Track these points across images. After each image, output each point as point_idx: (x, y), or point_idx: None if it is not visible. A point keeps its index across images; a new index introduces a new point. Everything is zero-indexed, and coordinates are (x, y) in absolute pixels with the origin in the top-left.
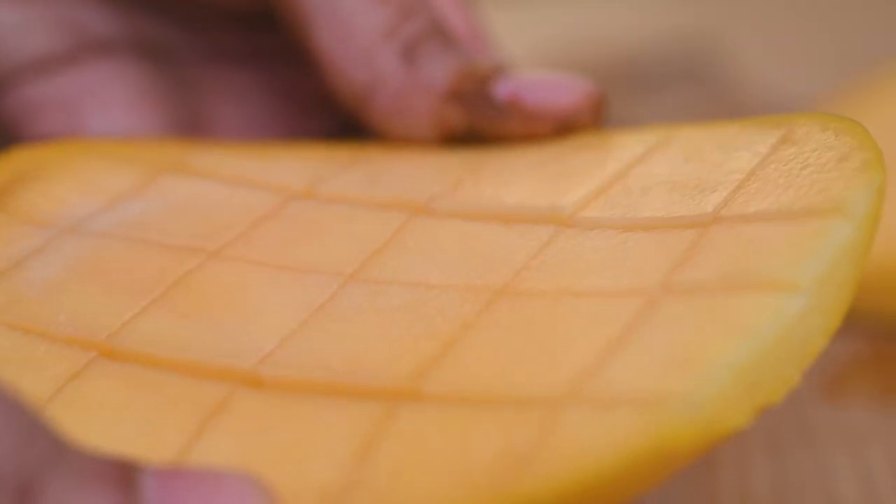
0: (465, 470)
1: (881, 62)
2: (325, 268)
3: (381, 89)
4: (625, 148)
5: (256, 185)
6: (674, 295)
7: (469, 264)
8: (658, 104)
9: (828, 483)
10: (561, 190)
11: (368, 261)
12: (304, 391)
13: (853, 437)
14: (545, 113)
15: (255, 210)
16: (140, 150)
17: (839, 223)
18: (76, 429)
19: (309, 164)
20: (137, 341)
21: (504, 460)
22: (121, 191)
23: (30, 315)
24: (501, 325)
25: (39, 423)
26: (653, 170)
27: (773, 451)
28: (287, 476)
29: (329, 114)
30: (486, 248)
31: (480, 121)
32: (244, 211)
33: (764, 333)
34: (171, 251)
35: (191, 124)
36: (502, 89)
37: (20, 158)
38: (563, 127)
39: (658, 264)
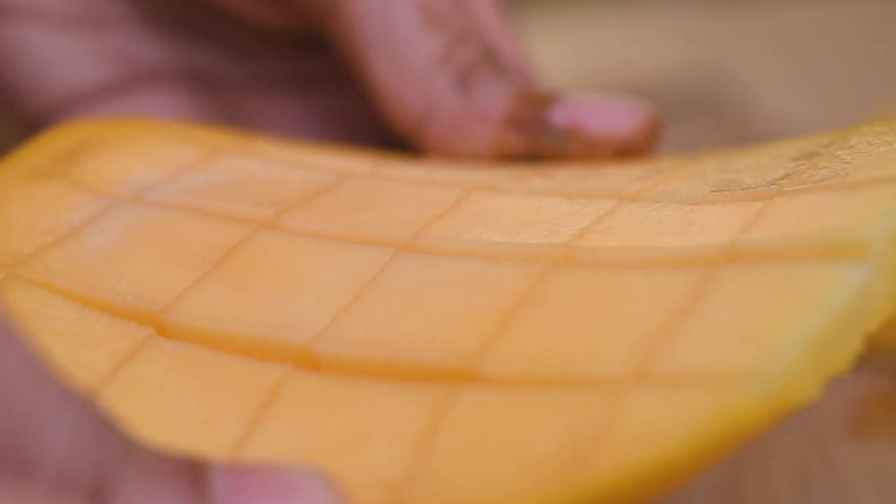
0: (529, 459)
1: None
2: (380, 237)
3: (438, 116)
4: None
5: (316, 166)
6: (739, 262)
7: (529, 230)
8: (674, 136)
9: None
10: (623, 179)
11: (425, 228)
12: (360, 373)
13: (879, 473)
14: (605, 139)
15: (313, 185)
16: (202, 132)
17: None
18: (134, 414)
19: (368, 157)
20: (192, 316)
21: (569, 448)
22: (183, 164)
23: (89, 282)
24: (560, 298)
25: (111, 424)
26: (710, 164)
27: (799, 487)
28: (348, 467)
29: (378, 141)
30: (548, 215)
31: (540, 146)
32: (302, 186)
33: (833, 303)
34: (229, 221)
35: None
36: (560, 115)
37: (83, 129)
38: (622, 151)
39: (723, 230)
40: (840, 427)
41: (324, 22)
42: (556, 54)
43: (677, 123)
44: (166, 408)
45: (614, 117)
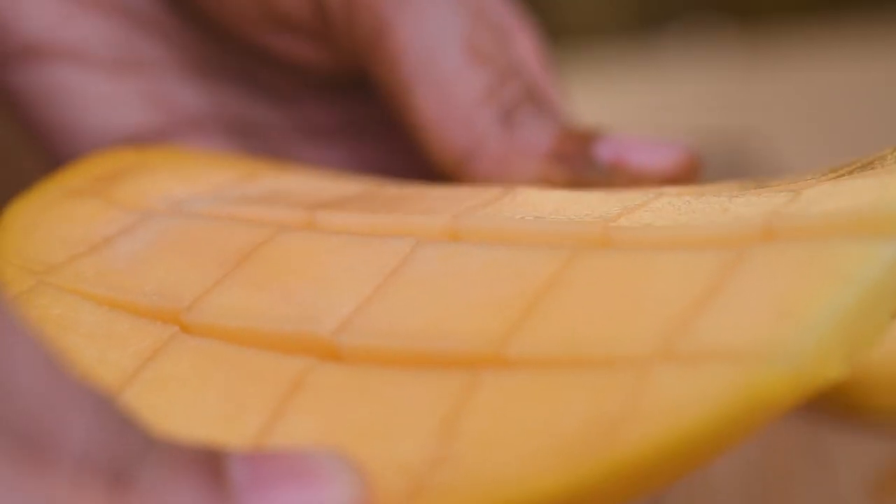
0: (554, 439)
1: None
2: (406, 227)
3: (483, 152)
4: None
5: (352, 181)
6: (770, 241)
7: (562, 215)
8: None
9: None
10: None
11: (456, 216)
12: (383, 362)
13: None
14: (649, 173)
15: (348, 193)
16: (241, 159)
17: None
18: (159, 408)
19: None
20: (215, 314)
21: (594, 426)
22: (221, 182)
23: (117, 286)
24: (588, 281)
25: (128, 418)
26: (748, 183)
27: None
28: (372, 454)
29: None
30: (583, 202)
31: (583, 181)
32: (337, 193)
33: (863, 279)
34: (259, 225)
35: None
36: (604, 151)
37: (125, 155)
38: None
39: (758, 213)
40: (861, 492)
41: (367, 59)
42: (584, 118)
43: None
44: (190, 402)
45: (657, 152)
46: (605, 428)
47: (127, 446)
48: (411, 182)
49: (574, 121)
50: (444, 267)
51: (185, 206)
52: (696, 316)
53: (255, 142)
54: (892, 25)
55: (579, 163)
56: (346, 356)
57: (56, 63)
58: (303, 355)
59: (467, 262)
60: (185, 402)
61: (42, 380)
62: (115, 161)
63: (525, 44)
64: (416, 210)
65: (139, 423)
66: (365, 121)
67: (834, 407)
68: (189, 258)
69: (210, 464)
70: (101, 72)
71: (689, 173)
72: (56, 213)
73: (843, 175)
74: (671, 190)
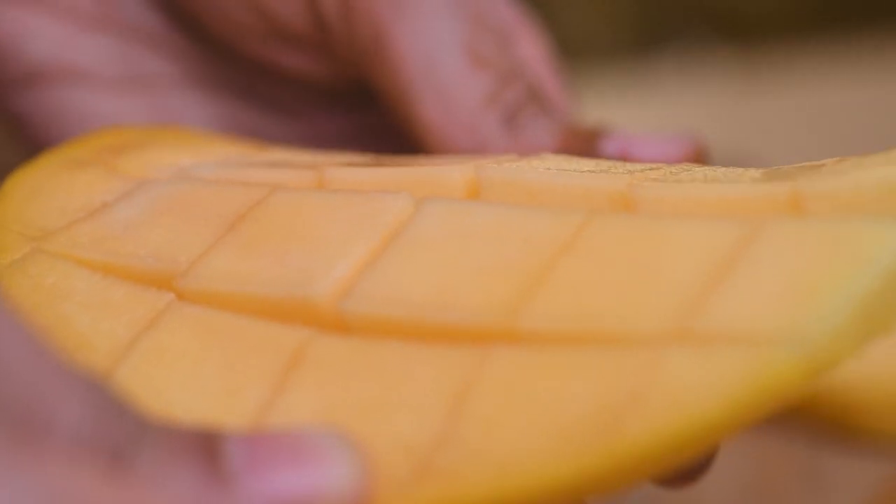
0: (560, 426)
1: None
2: (409, 181)
3: (487, 155)
4: None
5: (364, 156)
6: (788, 215)
7: (567, 174)
8: None
9: None
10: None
11: (473, 168)
12: (387, 333)
13: None
14: None
15: (356, 160)
16: (251, 140)
17: None
18: (156, 381)
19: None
20: (210, 278)
21: (601, 414)
22: (229, 153)
23: (113, 251)
24: (599, 250)
25: (120, 402)
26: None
27: None
28: (374, 432)
29: None
30: (600, 166)
31: None
32: (344, 159)
33: (881, 261)
34: (257, 187)
35: None
36: (611, 147)
37: (130, 130)
38: None
39: (782, 182)
40: None
41: (368, 68)
42: None
43: None
44: (188, 375)
45: (664, 146)
46: (611, 417)
47: (122, 429)
48: None
49: (579, 119)
50: (451, 227)
51: (189, 172)
52: (711, 293)
53: None
54: (889, 46)
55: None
56: (347, 325)
57: (62, 84)
58: (301, 325)
59: (475, 222)
60: (182, 375)
61: (31, 365)
62: (121, 135)
63: (528, 45)
64: (400, 165)
65: (133, 407)
66: (368, 129)
67: (829, 429)
68: (185, 221)
69: (206, 446)
70: (108, 90)
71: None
72: (57, 182)
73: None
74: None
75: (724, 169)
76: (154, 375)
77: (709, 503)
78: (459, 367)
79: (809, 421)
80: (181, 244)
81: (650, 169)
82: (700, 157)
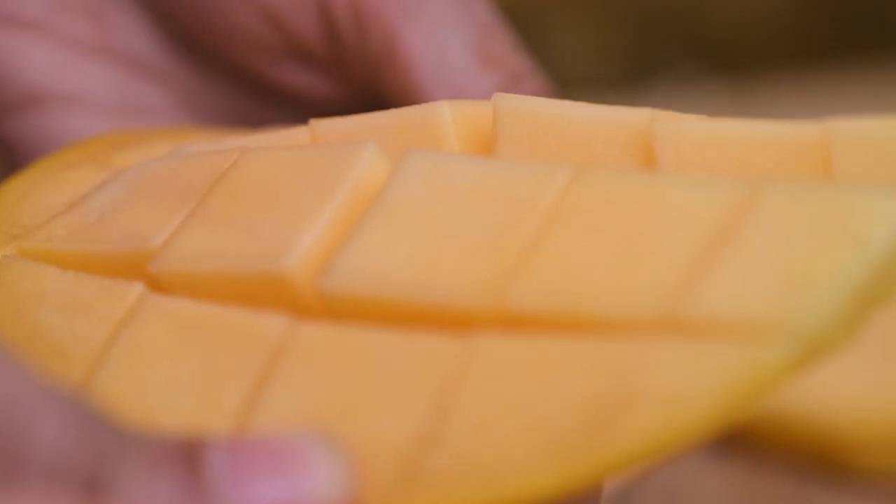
0: (550, 431)
1: None
2: (388, 130)
3: None
4: None
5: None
6: (785, 183)
7: (586, 106)
8: None
9: None
10: None
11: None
12: (368, 316)
13: None
14: None
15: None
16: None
17: None
18: (135, 383)
19: None
20: (181, 259)
21: (592, 418)
22: (221, 137)
23: (86, 239)
24: (583, 218)
25: (98, 416)
26: None
27: None
28: (359, 432)
29: None
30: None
31: None
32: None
33: (879, 241)
34: (229, 153)
35: None
36: None
37: (128, 131)
38: None
39: (804, 126)
40: None
41: (381, 76)
42: None
43: None
44: (167, 375)
45: None
46: (602, 420)
47: (100, 446)
48: None
49: None
50: (431, 187)
51: (177, 151)
52: (703, 274)
53: None
54: (883, 77)
55: None
56: (325, 305)
57: (58, 110)
58: (279, 308)
59: (458, 181)
60: (162, 376)
61: (5, 388)
62: (119, 136)
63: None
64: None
65: (110, 421)
66: None
67: (821, 465)
68: (156, 198)
69: (188, 456)
70: (104, 118)
71: None
72: (50, 183)
73: None
74: None
75: None
76: (133, 378)
77: None
78: (444, 361)
79: (798, 456)
80: (153, 222)
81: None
82: None
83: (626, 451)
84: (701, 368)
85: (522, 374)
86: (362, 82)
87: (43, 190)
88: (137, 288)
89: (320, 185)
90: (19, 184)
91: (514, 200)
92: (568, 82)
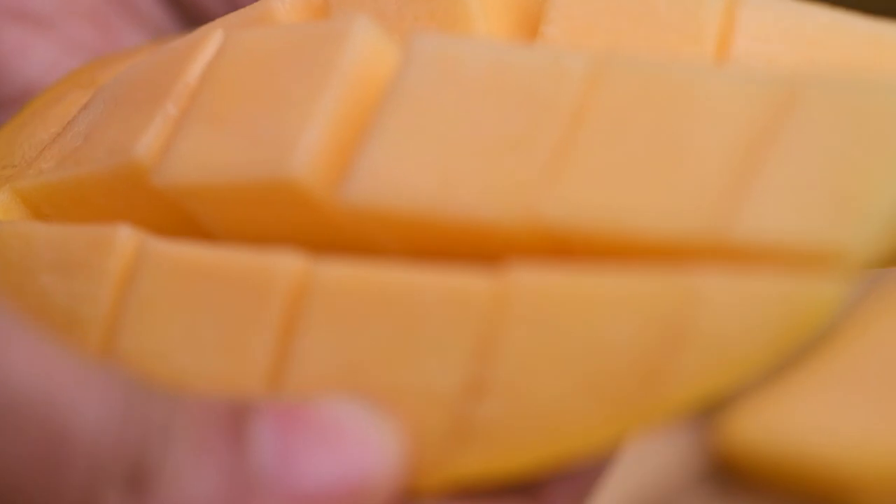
0: (600, 381)
1: None
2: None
3: None
4: None
5: None
6: (817, 83)
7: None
8: None
9: None
10: None
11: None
12: (391, 235)
13: None
14: None
15: None
16: None
17: None
18: (156, 346)
19: None
20: (181, 170)
21: (641, 365)
22: None
23: (76, 161)
24: (613, 120)
25: (139, 387)
26: None
27: None
28: (402, 384)
29: None
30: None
31: None
32: None
33: None
34: (201, 42)
35: None
36: None
37: (120, 52)
38: None
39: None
40: None
41: None
42: None
43: None
44: (187, 332)
45: None
46: (650, 368)
47: (143, 426)
48: None
49: None
50: (442, 79)
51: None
52: (746, 184)
53: None
54: None
55: None
56: (341, 224)
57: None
58: (291, 246)
59: (471, 71)
60: (181, 334)
61: (41, 368)
62: (100, 60)
63: None
64: None
65: (150, 390)
66: None
67: None
68: (137, 103)
69: (234, 429)
70: None
71: None
72: (38, 120)
73: None
74: None
75: None
76: (153, 339)
77: None
78: (479, 300)
79: (799, 495)
80: (135, 130)
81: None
82: None
83: (682, 395)
84: (752, 302)
85: (565, 314)
86: None
87: (31, 128)
88: (123, 234)
89: (313, 73)
90: (9, 126)
91: (535, 96)
92: None
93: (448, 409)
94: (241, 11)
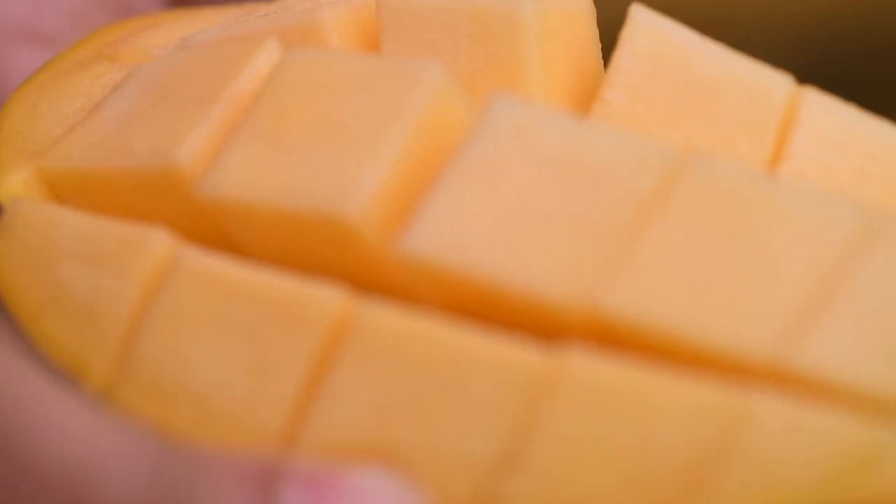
0: (644, 481)
1: None
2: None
3: None
4: None
5: None
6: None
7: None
8: None
9: None
10: None
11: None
12: (441, 294)
13: None
14: None
15: None
16: None
17: None
18: (180, 354)
19: None
20: (228, 184)
21: (687, 471)
22: (233, 16)
23: (109, 153)
24: (689, 214)
25: (168, 448)
26: None
27: None
28: (432, 444)
29: None
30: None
31: None
32: None
33: None
34: (261, 48)
35: None
36: None
37: (135, 20)
38: None
39: None
40: None
41: None
42: None
43: None
44: (216, 347)
45: None
46: (696, 475)
47: (175, 481)
48: None
49: None
50: (518, 147)
51: (188, 43)
52: (818, 316)
53: None
54: None
55: None
56: (393, 272)
57: None
58: (335, 280)
59: (547, 144)
60: (209, 348)
61: (72, 434)
62: (121, 28)
63: None
64: None
65: (178, 453)
66: None
67: None
68: (175, 102)
69: (264, 495)
70: None
71: None
72: (59, 87)
73: None
74: None
75: None
76: (178, 348)
77: None
78: (530, 375)
79: None
80: (176, 132)
81: None
82: None
83: None
84: (804, 434)
85: (614, 407)
86: None
87: (54, 96)
88: (158, 237)
89: (380, 112)
90: (28, 92)
91: (610, 182)
92: None
93: (476, 478)
94: (288, 17)
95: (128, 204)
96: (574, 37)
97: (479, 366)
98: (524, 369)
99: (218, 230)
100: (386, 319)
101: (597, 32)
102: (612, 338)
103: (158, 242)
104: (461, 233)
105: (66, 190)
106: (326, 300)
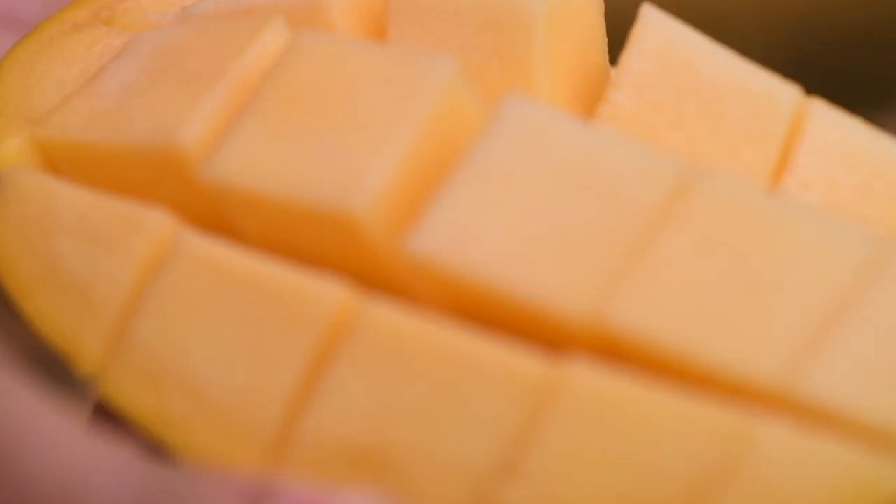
0: (643, 493)
1: None
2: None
3: None
4: None
5: None
6: None
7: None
8: None
9: None
10: None
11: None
12: (446, 297)
13: None
14: None
15: None
16: None
17: None
18: (175, 340)
19: None
20: (233, 169)
21: (688, 490)
22: None
23: (109, 126)
24: (698, 229)
25: (158, 469)
26: None
27: None
28: (430, 448)
29: None
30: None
31: None
32: None
33: None
34: (270, 26)
35: None
36: None
37: None
38: None
39: None
40: None
41: None
42: None
43: None
44: (212, 336)
45: None
46: (697, 495)
47: (165, 499)
48: None
49: None
50: (529, 151)
51: (190, 12)
52: (824, 342)
53: None
54: None
55: None
56: (397, 272)
57: None
58: (337, 273)
59: (558, 149)
60: (205, 336)
61: (62, 458)
62: None
63: None
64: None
65: (168, 476)
66: None
67: None
68: (177, 78)
69: None
70: None
71: None
72: (55, 51)
73: None
74: None
75: None
76: (173, 333)
77: None
78: (532, 383)
79: None
80: (178, 109)
81: None
82: None
83: None
84: (804, 462)
85: (617, 421)
86: None
87: (49, 60)
88: (158, 218)
89: (391, 103)
90: (22, 54)
91: (620, 192)
92: None
93: (471, 484)
94: None
95: (125, 180)
96: (582, 30)
97: (480, 371)
98: (526, 377)
99: (217, 214)
100: (388, 318)
101: (604, 27)
102: (615, 352)
103: (158, 224)
104: (468, 236)
105: (63, 161)
106: (328, 294)
